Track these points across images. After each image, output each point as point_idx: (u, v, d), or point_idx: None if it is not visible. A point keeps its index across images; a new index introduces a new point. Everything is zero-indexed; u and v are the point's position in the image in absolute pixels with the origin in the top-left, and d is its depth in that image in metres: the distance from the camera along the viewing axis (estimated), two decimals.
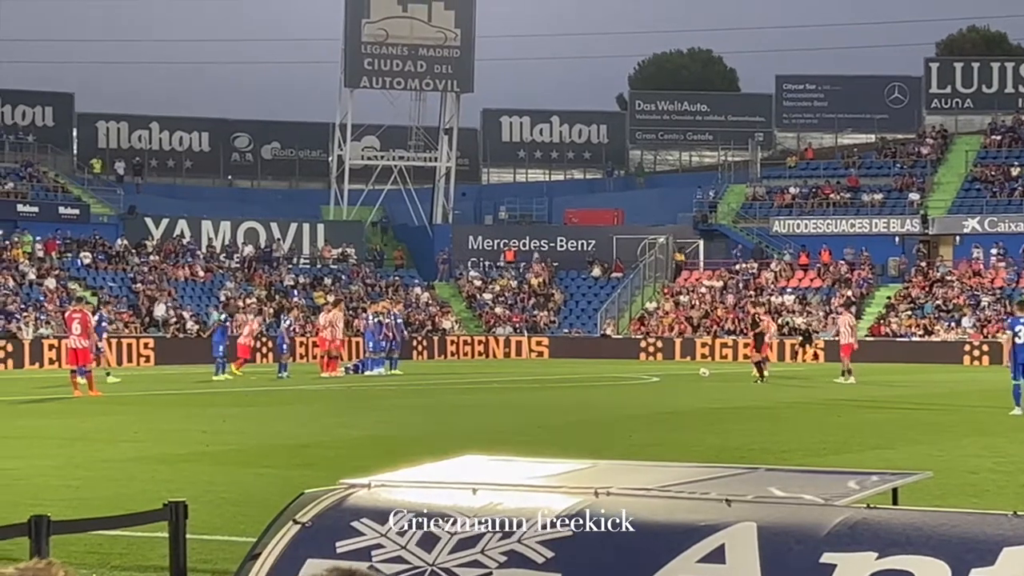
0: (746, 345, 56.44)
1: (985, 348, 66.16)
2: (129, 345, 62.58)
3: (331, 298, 67.21)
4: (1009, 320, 36.04)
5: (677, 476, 6.61)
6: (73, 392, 39.63)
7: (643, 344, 71.85)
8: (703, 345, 70.28)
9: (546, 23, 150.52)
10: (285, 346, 54.10)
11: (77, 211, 75.31)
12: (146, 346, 63.70)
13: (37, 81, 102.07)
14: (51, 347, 59.18)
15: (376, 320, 56.97)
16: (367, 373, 53.81)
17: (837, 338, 52.83)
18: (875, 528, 5.28)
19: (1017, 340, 32.21)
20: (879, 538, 5.20)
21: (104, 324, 52.03)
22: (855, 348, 49.78)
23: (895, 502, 6.58)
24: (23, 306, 63.56)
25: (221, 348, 50.10)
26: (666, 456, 20.39)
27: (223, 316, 57.40)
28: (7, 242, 68.85)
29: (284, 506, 6.18)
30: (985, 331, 68.56)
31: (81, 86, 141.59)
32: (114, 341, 61.79)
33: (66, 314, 43.99)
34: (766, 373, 48.26)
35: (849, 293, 73.15)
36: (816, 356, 67.24)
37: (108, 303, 65.26)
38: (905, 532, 5.22)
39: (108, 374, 47.36)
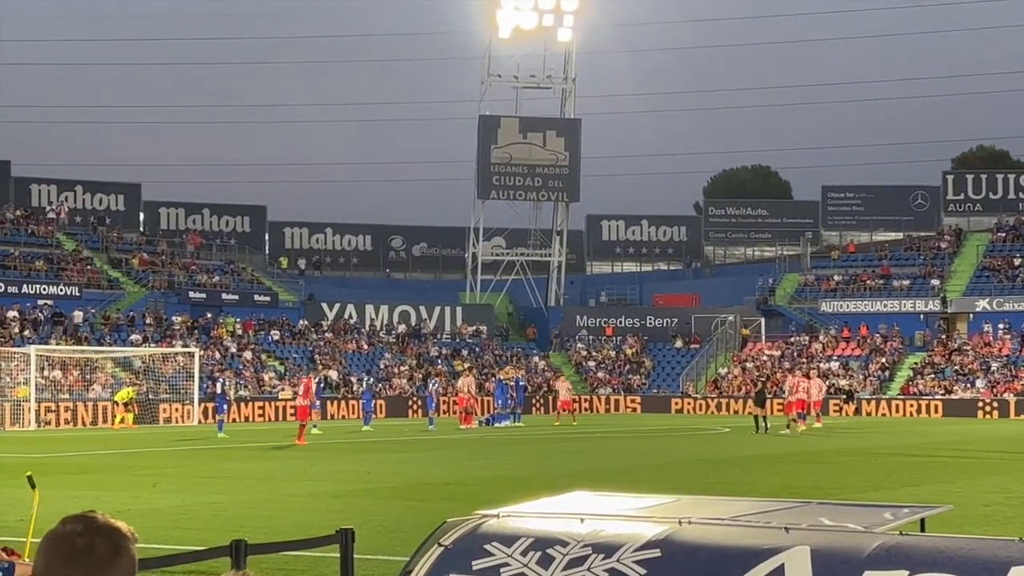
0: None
1: (995, 405, 65.07)
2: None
3: (467, 365, 67.31)
4: None
5: (745, 508, 6.54)
6: (299, 441, 39.93)
7: (717, 402, 71.32)
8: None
9: (637, 145, 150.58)
10: (433, 404, 54.08)
11: (268, 298, 76.09)
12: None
13: (237, 197, 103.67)
14: (247, 405, 59.93)
15: (504, 383, 57.08)
16: (496, 425, 53.77)
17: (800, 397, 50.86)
18: (907, 551, 5.20)
19: None
20: (910, 559, 5.12)
21: (321, 387, 52.88)
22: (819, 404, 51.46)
23: (923, 529, 6.47)
24: (228, 374, 64.17)
25: (371, 405, 50.47)
26: (736, 492, 20.18)
27: (371, 380, 57.74)
28: (214, 323, 69.69)
29: (430, 532, 6.18)
30: (995, 391, 67.41)
31: (271, 200, 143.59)
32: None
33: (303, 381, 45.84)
34: (768, 426, 47.46)
35: (812, 364, 72.47)
36: (858, 411, 66.44)
37: (323, 368, 65.84)
38: (931, 554, 5.14)
39: (315, 426, 47.93)
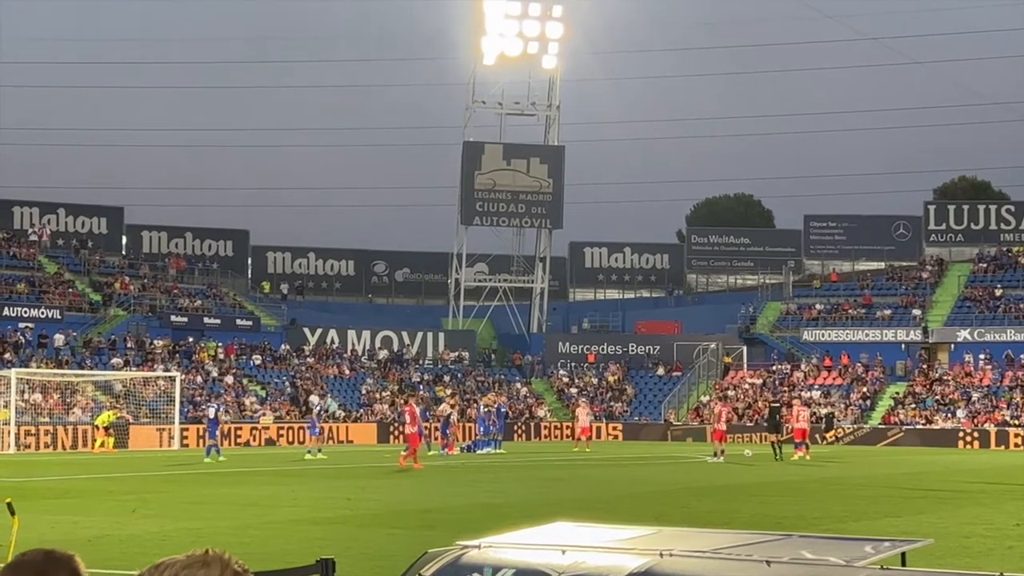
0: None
1: (976, 435, 65.16)
2: (289, 429, 62.87)
3: (449, 391, 67.22)
4: None
5: (726, 541, 6.54)
6: (400, 463, 40.16)
7: (699, 429, 71.27)
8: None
9: (620, 173, 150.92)
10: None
11: (250, 322, 75.98)
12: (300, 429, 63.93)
13: (219, 221, 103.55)
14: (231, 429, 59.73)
15: (486, 409, 56.98)
16: (478, 452, 53.67)
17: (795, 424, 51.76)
18: None
19: None
20: None
21: (322, 413, 52.78)
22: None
23: (904, 564, 6.48)
24: (207, 397, 64.04)
25: (317, 430, 50.44)
26: (717, 522, 20.18)
27: (328, 404, 56.84)
28: (196, 347, 69.52)
29: (411, 563, 6.16)
30: (976, 421, 67.51)
31: (254, 225, 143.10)
32: (278, 426, 62.26)
33: (400, 407, 46.47)
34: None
35: (802, 393, 72.59)
36: (838, 438, 66.47)
37: (325, 395, 65.31)
38: None
39: (320, 451, 47.82)
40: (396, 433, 64.72)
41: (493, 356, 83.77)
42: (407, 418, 42.30)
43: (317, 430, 50.47)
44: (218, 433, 48.21)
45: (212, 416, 48.63)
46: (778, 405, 54.94)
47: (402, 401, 59.11)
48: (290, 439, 61.64)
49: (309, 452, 47.92)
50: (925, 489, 31.98)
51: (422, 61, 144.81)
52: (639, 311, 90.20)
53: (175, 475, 37.06)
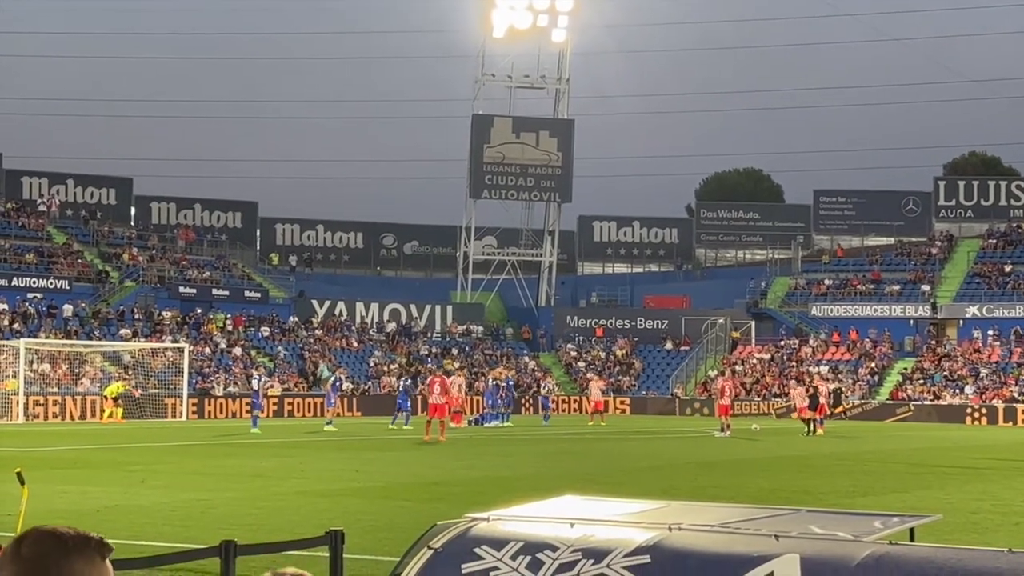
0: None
1: (984, 411, 65.17)
2: (298, 401, 63.00)
3: (457, 364, 67.26)
4: None
5: (734, 515, 6.54)
6: (424, 436, 40.16)
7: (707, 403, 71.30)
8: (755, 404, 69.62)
9: (630, 147, 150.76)
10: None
11: (259, 294, 76.03)
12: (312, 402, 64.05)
13: (228, 192, 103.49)
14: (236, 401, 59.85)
15: (494, 383, 56.97)
16: (486, 425, 53.72)
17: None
18: (896, 561, 5.20)
19: None
20: (900, 569, 5.12)
21: (339, 385, 52.74)
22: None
23: (912, 539, 6.48)
24: (215, 369, 64.15)
25: (333, 401, 50.54)
26: (724, 496, 20.20)
27: (332, 375, 56.52)
28: (204, 318, 69.59)
29: (420, 534, 6.17)
30: (984, 397, 67.52)
31: (263, 196, 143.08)
32: (281, 397, 62.42)
33: (428, 379, 46.26)
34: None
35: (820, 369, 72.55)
36: (845, 413, 66.47)
37: (340, 367, 65.22)
38: (920, 565, 5.14)
39: (330, 423, 47.88)
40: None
41: (504, 332, 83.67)
42: (436, 388, 41.97)
43: (333, 401, 50.54)
44: (263, 403, 48.28)
45: (256, 388, 48.57)
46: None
47: (428, 371, 59.15)
48: (298, 410, 61.84)
49: (328, 423, 47.96)
50: (933, 465, 31.98)
51: (431, 34, 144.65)
52: (648, 285, 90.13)
53: (183, 446, 37.13)
